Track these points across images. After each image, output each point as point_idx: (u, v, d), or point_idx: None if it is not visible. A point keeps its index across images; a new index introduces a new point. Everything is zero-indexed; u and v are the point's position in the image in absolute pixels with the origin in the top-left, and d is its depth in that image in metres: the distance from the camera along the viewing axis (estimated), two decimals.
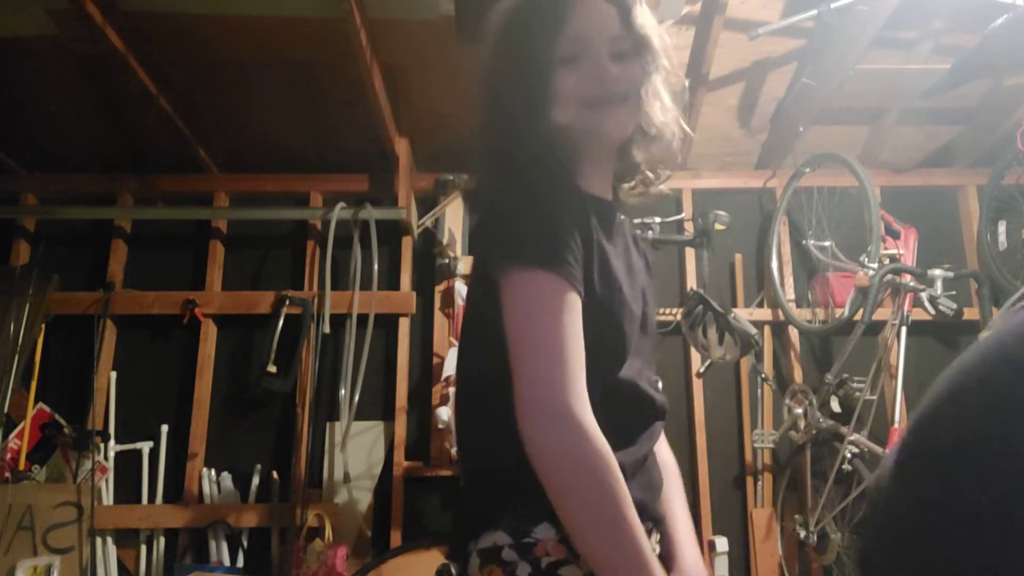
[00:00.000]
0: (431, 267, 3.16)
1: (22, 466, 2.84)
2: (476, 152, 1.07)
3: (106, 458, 2.89)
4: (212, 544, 2.84)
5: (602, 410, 0.90)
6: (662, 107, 1.07)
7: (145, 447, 2.96)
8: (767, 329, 3.13)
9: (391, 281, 3.15)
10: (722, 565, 2.84)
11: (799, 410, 2.84)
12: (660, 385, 1.14)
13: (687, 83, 1.16)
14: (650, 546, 0.87)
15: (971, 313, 2.81)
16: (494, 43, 1.08)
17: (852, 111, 3.03)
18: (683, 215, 3.18)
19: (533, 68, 1.01)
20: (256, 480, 2.93)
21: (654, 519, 1.04)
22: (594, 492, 0.84)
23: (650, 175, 1.13)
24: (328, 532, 2.76)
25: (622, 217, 1.13)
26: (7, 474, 2.81)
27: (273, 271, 3.21)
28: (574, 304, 0.90)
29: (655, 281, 1.15)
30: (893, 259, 2.80)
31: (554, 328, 0.88)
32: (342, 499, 2.91)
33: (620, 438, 0.93)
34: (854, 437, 2.59)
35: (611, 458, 0.86)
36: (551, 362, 0.87)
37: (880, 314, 2.70)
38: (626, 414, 0.99)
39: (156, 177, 3.22)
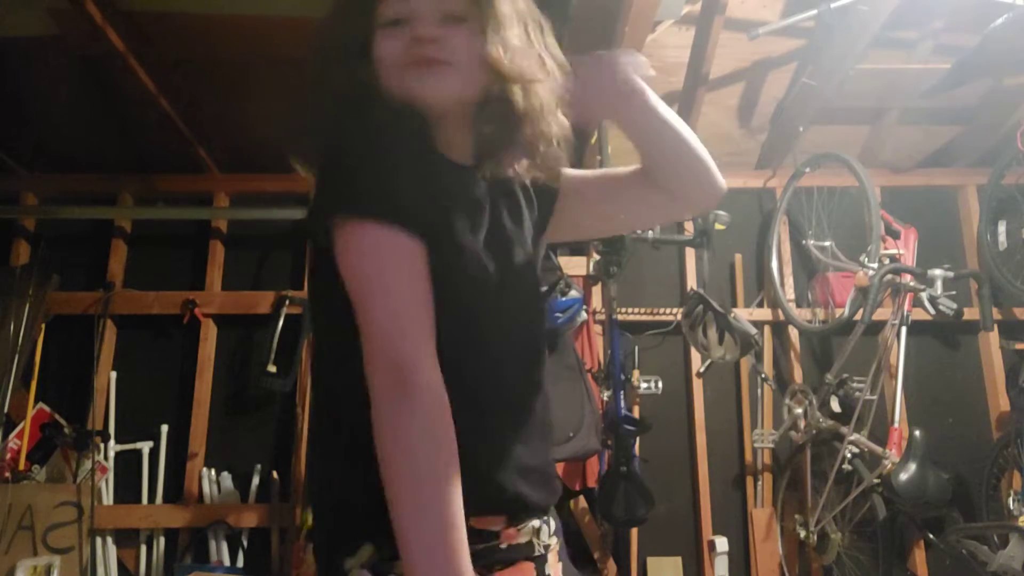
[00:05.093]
0: None
1: (22, 466, 2.84)
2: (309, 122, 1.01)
3: (106, 458, 2.89)
4: (212, 544, 2.84)
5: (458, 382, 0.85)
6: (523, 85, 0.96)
7: (145, 447, 2.96)
8: (767, 329, 3.13)
9: None
10: (722, 565, 2.84)
11: (799, 410, 2.84)
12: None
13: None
14: (462, 538, 0.80)
15: (971, 313, 2.81)
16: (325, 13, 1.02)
17: (852, 111, 3.03)
18: None
19: (352, 35, 0.96)
20: (256, 480, 2.93)
21: (542, 509, 0.98)
22: (417, 466, 0.79)
23: (537, 149, 0.99)
24: None
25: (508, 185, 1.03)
26: (7, 474, 2.81)
27: (273, 271, 3.20)
28: (413, 254, 0.86)
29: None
30: (893, 259, 2.80)
31: (394, 279, 0.84)
32: None
33: (473, 418, 0.86)
34: (854, 437, 2.59)
35: (445, 424, 0.81)
36: (390, 313, 0.83)
37: (880, 314, 2.70)
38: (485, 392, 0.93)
39: (156, 177, 3.22)
